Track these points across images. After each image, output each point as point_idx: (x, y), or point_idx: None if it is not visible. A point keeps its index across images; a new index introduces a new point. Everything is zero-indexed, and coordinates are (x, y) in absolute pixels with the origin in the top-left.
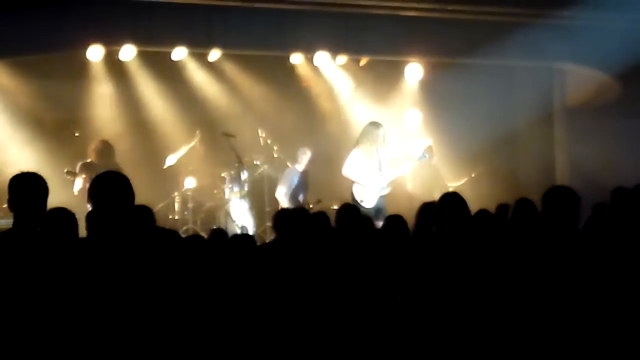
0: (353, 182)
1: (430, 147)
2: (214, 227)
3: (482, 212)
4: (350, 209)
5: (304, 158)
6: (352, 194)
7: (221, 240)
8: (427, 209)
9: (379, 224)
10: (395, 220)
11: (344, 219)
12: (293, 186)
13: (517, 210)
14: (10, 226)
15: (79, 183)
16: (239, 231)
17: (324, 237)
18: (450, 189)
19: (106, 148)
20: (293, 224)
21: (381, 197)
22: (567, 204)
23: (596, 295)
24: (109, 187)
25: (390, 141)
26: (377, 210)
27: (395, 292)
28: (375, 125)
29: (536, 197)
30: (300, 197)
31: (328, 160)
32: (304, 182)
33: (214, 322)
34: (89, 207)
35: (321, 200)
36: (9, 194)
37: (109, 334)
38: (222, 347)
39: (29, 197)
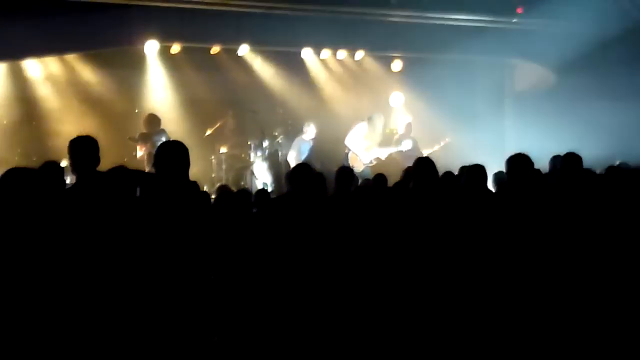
0: (349, 151)
1: (409, 124)
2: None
3: (447, 173)
4: (346, 170)
5: (309, 130)
6: (345, 159)
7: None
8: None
9: None
10: (379, 178)
11: (341, 178)
12: (301, 152)
13: (470, 173)
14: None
15: (139, 150)
16: (260, 186)
17: (323, 190)
18: (424, 155)
19: (154, 119)
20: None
21: (367, 167)
22: (527, 166)
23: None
24: (169, 154)
25: (382, 123)
26: (363, 175)
27: (380, 233)
28: (378, 115)
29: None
30: (307, 161)
31: (329, 132)
32: (310, 149)
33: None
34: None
35: (324, 162)
36: (70, 157)
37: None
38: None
39: (89, 159)
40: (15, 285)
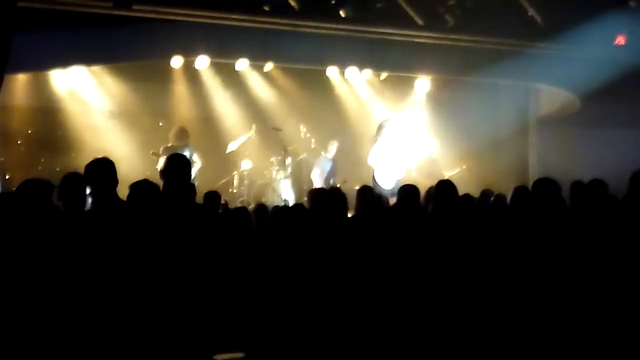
0: (374, 170)
1: (433, 145)
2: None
3: (466, 196)
4: (367, 189)
5: (333, 148)
6: (373, 178)
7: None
8: (429, 193)
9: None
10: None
11: (363, 196)
12: (324, 170)
13: (515, 195)
14: None
15: (162, 162)
16: (282, 204)
17: (343, 210)
18: (445, 177)
19: (182, 133)
20: (324, 199)
21: (397, 181)
22: (555, 190)
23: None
24: (175, 166)
25: (403, 137)
26: (393, 192)
27: (400, 253)
28: (385, 120)
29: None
30: (330, 179)
31: (352, 150)
32: (333, 167)
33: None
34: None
35: (347, 181)
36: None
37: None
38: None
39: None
40: (17, 291)
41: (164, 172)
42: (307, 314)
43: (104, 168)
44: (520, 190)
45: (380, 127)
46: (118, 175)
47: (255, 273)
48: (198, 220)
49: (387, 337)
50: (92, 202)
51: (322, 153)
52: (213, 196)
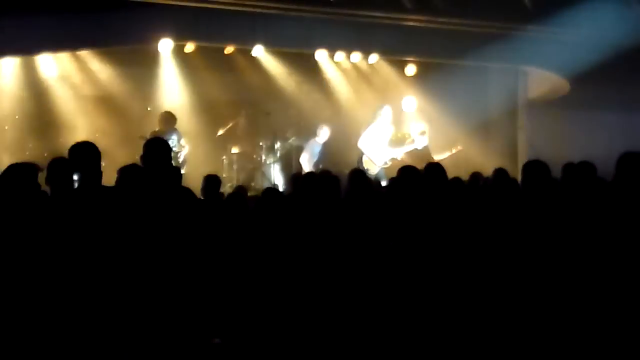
0: (363, 153)
1: (423, 131)
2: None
3: (455, 179)
4: (359, 172)
5: (322, 132)
6: (359, 162)
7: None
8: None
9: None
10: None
11: (354, 180)
12: (314, 154)
13: (496, 177)
14: None
15: None
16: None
17: (335, 194)
18: (436, 161)
19: (169, 117)
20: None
21: (382, 169)
22: (545, 172)
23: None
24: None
25: (393, 121)
26: (377, 177)
27: (389, 238)
28: (381, 107)
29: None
30: (319, 164)
31: (342, 134)
32: (322, 152)
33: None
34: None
35: (336, 164)
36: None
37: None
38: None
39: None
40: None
41: (142, 158)
42: (301, 300)
43: (87, 151)
44: (499, 173)
45: (375, 114)
46: (107, 160)
47: (247, 259)
48: (184, 205)
49: (378, 325)
50: (77, 186)
51: (312, 137)
52: (214, 180)
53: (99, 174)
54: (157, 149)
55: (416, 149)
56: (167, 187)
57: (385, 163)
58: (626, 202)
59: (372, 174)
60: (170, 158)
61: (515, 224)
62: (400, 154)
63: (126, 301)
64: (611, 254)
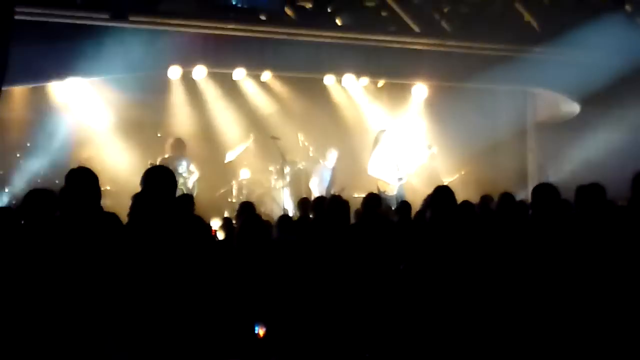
0: (377, 179)
1: (433, 153)
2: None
3: (465, 202)
4: (374, 197)
5: (331, 156)
6: (377, 187)
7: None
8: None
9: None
10: (403, 206)
11: (368, 204)
12: (323, 179)
13: (501, 201)
14: None
15: None
16: (281, 212)
17: (345, 218)
18: (445, 183)
19: (179, 144)
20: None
21: (401, 186)
22: (554, 196)
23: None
24: (154, 177)
25: (400, 144)
26: (399, 196)
27: (399, 261)
28: (380, 131)
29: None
30: (329, 188)
31: (351, 158)
32: (332, 176)
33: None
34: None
35: (344, 189)
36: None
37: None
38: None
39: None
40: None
41: (142, 184)
42: (312, 322)
43: (84, 178)
44: (505, 197)
45: (376, 139)
46: (118, 186)
47: (260, 281)
48: (192, 231)
49: (387, 345)
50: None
51: (321, 162)
52: (248, 207)
53: (97, 199)
54: (157, 178)
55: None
56: (171, 216)
57: (401, 179)
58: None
59: (391, 194)
60: (172, 186)
61: (525, 248)
62: (413, 167)
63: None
64: (627, 277)
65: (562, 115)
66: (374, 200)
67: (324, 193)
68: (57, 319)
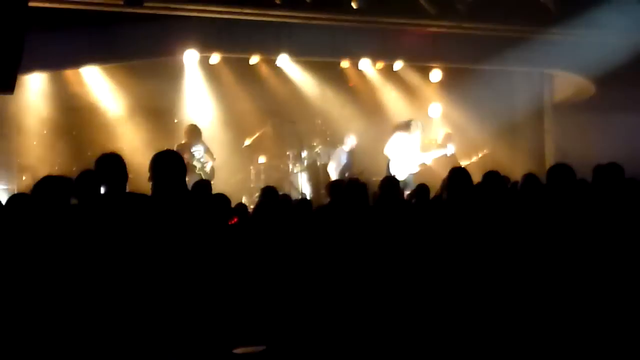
0: (390, 160)
1: (448, 134)
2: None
3: (492, 174)
4: (391, 179)
5: (349, 141)
6: (387, 168)
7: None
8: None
9: (406, 193)
10: (421, 188)
11: (386, 186)
12: (341, 163)
13: (525, 182)
14: None
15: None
16: (299, 196)
17: (364, 202)
18: (462, 165)
19: (194, 130)
20: (344, 191)
21: (410, 175)
22: (569, 176)
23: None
24: (163, 163)
25: (421, 136)
26: (405, 183)
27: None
28: (415, 123)
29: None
30: (347, 172)
31: (368, 142)
32: (349, 160)
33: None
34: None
35: (363, 172)
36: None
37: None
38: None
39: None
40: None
41: (151, 170)
42: (330, 306)
43: (112, 163)
44: (529, 178)
45: (406, 124)
46: (135, 173)
47: (274, 267)
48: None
49: (409, 331)
50: (103, 197)
51: (338, 145)
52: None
53: (124, 184)
54: (167, 163)
55: (445, 155)
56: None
57: (416, 168)
58: None
59: (400, 180)
60: (181, 172)
61: (543, 228)
62: (429, 160)
63: (153, 307)
64: None
65: (579, 96)
66: (392, 182)
67: (342, 177)
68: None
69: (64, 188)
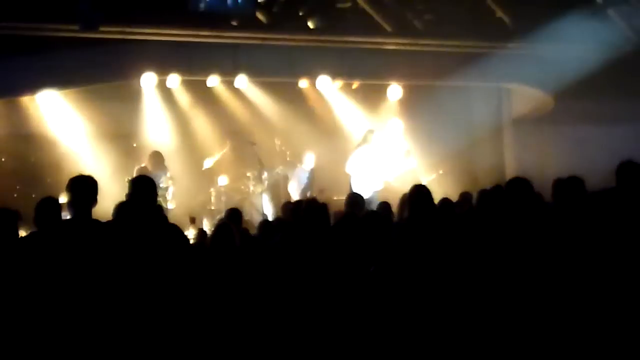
0: (352, 177)
1: (408, 151)
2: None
3: (444, 200)
4: (356, 196)
5: (308, 159)
6: (350, 186)
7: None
8: (403, 199)
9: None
10: (383, 206)
11: (351, 204)
12: (302, 182)
13: (481, 198)
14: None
15: None
16: (261, 218)
17: (324, 223)
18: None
19: (157, 157)
20: (303, 213)
21: (374, 192)
22: (527, 189)
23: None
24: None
25: (382, 149)
26: (369, 201)
27: (372, 263)
28: (370, 131)
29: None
30: (307, 191)
31: (328, 161)
32: (310, 179)
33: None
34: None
35: (323, 190)
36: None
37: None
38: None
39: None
40: None
41: (128, 196)
42: (296, 325)
43: (81, 186)
44: (484, 194)
45: (364, 138)
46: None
47: (240, 288)
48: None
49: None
50: (63, 225)
51: (298, 165)
52: (236, 214)
53: (90, 209)
54: (142, 187)
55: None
56: (154, 224)
57: (376, 188)
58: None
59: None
60: (154, 195)
61: (504, 242)
62: (392, 176)
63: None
64: (614, 266)
65: (538, 110)
66: (357, 199)
67: (303, 196)
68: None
69: (9, 221)
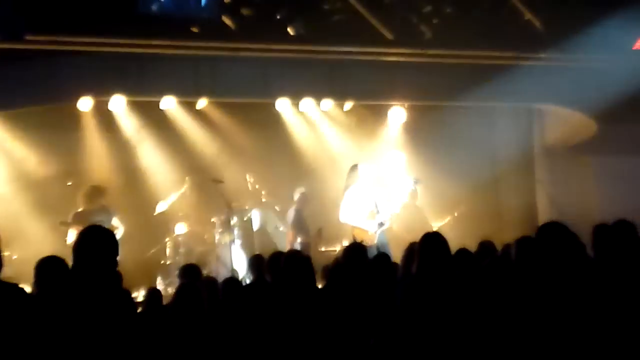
0: (352, 226)
1: (414, 190)
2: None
3: (461, 251)
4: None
5: (300, 196)
6: (353, 236)
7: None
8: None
9: None
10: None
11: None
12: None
13: (519, 249)
14: None
15: (72, 234)
16: (228, 274)
17: (307, 279)
18: (434, 229)
19: (94, 192)
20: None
21: (382, 232)
22: (564, 237)
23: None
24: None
25: (378, 180)
26: (380, 246)
27: (371, 333)
28: (353, 167)
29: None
30: (300, 235)
31: (319, 199)
32: (293, 218)
33: None
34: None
35: (322, 229)
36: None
37: None
38: None
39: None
40: None
41: (75, 250)
42: None
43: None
44: (524, 243)
45: (348, 177)
46: (20, 251)
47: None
48: (125, 311)
49: None
50: None
51: (275, 207)
52: (193, 271)
53: None
54: (96, 241)
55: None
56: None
57: (382, 224)
58: None
59: (371, 244)
60: (114, 253)
61: (535, 305)
62: (394, 211)
63: None
64: None
65: (576, 137)
66: (358, 252)
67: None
68: None
69: None
